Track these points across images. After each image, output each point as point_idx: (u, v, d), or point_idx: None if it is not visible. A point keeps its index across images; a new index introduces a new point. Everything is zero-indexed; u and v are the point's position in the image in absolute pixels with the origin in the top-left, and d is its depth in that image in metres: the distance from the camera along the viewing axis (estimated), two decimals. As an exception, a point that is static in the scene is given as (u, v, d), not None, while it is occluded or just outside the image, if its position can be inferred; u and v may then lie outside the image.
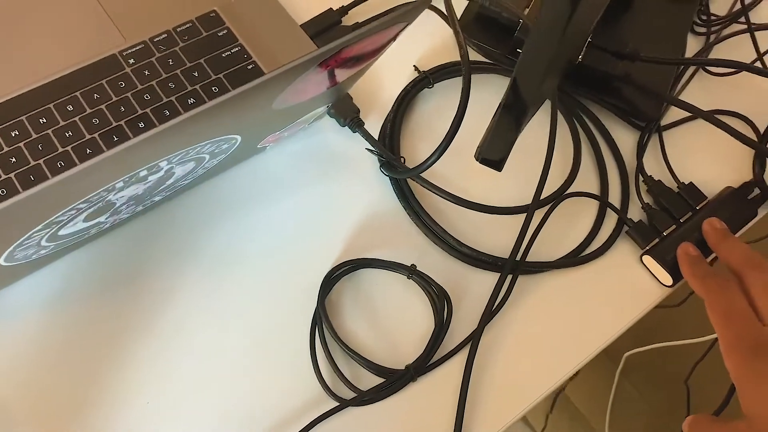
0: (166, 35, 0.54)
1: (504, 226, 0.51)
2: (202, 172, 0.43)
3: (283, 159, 0.52)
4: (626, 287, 0.50)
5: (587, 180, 0.54)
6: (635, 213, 0.53)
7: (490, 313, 0.48)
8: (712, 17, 0.62)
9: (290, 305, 0.47)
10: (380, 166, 0.52)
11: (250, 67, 0.53)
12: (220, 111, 0.31)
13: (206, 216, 0.49)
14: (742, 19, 0.60)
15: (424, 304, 0.48)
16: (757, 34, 0.59)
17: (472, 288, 0.49)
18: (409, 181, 0.51)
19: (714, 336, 0.71)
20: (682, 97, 0.59)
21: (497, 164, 0.44)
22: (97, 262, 0.46)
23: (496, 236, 0.51)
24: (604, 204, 0.52)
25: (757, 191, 0.54)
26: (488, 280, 0.49)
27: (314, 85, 0.35)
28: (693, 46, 0.61)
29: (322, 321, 0.45)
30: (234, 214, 0.49)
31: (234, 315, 0.46)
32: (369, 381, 0.45)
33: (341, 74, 0.39)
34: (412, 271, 0.48)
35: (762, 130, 0.56)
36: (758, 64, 0.59)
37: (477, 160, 0.44)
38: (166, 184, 0.41)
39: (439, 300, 0.47)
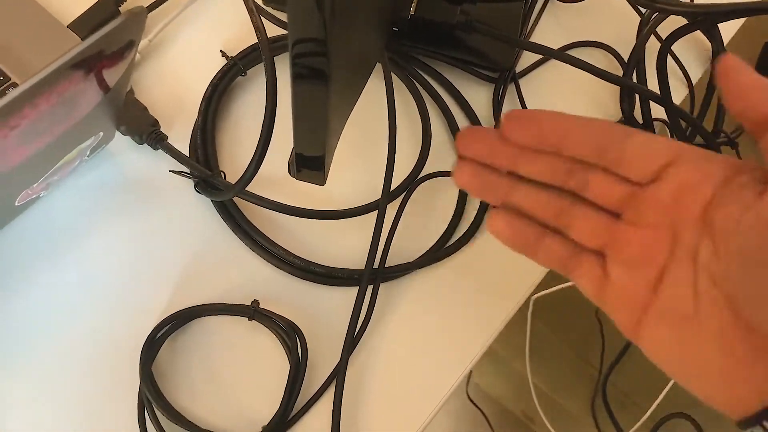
0: None
1: (359, 227, 0.44)
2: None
3: (70, 198, 0.42)
4: (504, 269, 0.44)
5: (443, 152, 0.47)
6: (502, 183, 0.46)
7: (353, 337, 0.41)
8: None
9: (111, 383, 0.38)
10: (195, 187, 0.43)
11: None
12: None
13: (-14, 293, 0.39)
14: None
15: (275, 346, 0.40)
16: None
17: (331, 311, 0.42)
18: (236, 197, 0.43)
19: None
20: (537, 34, 0.52)
21: (317, 172, 0.35)
22: None
23: (352, 242, 0.43)
24: (465, 180, 0.45)
25: (629, 130, 0.49)
26: (348, 297, 0.42)
27: (18, 140, 0.26)
28: (540, -29, 0.54)
29: (149, 398, 0.37)
30: (20, 281, 0.40)
31: (42, 409, 0.37)
32: (222, 455, 0.37)
33: (45, 124, 0.28)
34: (253, 311, 0.40)
35: (626, 59, 0.50)
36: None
37: (292, 176, 0.36)
38: None
39: (290, 337, 0.39)
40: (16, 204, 0.36)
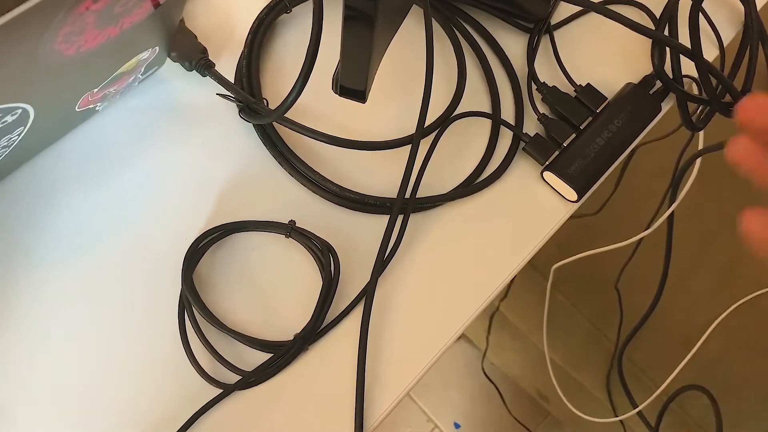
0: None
1: (392, 161, 0.46)
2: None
3: (122, 118, 0.44)
4: (529, 208, 0.46)
5: (476, 96, 0.48)
6: (531, 126, 0.48)
7: (382, 261, 0.42)
8: None
9: (154, 289, 0.41)
10: (239, 112, 0.45)
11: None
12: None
13: (38, 201, 0.42)
14: None
15: (309, 264, 0.43)
16: None
17: (362, 236, 0.44)
18: (276, 124, 0.45)
19: (638, 237, 0.69)
20: (572, -11, 0.53)
21: (360, 94, 0.38)
22: None
23: (384, 174, 0.45)
24: (496, 121, 0.47)
25: (659, 84, 0.50)
26: (379, 225, 0.44)
27: (95, 22, 0.28)
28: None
29: (189, 301, 0.39)
30: (73, 192, 0.42)
31: (88, 311, 0.40)
32: (256, 360, 0.40)
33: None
34: (290, 229, 0.42)
35: (658, 16, 0.52)
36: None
37: (335, 92, 0.38)
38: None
39: (324, 255, 0.42)
40: (77, 109, 0.38)
